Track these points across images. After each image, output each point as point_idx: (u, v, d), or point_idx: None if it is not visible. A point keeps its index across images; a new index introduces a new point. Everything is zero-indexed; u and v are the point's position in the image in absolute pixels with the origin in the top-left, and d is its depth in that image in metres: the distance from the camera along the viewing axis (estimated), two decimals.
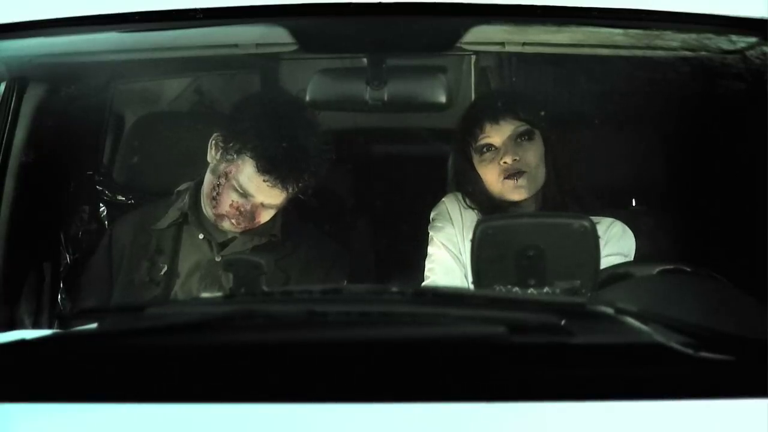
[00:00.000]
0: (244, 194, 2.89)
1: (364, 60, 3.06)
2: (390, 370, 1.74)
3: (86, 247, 3.14)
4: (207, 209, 2.96)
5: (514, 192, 2.90)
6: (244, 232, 2.95)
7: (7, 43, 2.52)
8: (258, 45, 2.74)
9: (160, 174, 3.23)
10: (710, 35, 2.49)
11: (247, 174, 2.87)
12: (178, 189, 3.07)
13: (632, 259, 2.89)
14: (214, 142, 2.94)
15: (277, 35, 2.62)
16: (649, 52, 2.64)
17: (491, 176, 2.92)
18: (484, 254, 2.03)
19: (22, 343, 1.85)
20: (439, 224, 3.02)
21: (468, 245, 2.96)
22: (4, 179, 2.86)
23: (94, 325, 1.91)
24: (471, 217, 2.99)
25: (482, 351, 1.75)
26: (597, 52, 2.71)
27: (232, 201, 2.89)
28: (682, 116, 2.91)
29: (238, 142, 2.88)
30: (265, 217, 2.93)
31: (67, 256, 3.13)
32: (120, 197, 3.24)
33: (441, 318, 1.75)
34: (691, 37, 2.51)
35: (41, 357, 1.82)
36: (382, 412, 1.69)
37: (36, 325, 2.98)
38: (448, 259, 2.96)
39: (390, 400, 1.70)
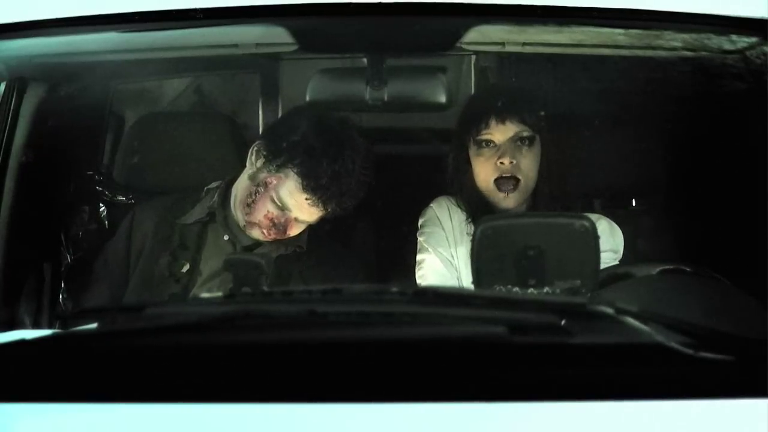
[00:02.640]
0: (282, 207, 2.87)
1: (364, 60, 3.06)
2: (390, 370, 1.74)
3: (86, 246, 3.14)
4: (238, 213, 2.94)
5: (504, 201, 2.92)
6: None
7: (7, 43, 2.52)
8: (258, 45, 2.74)
9: (160, 174, 3.23)
10: (710, 35, 2.49)
11: (289, 189, 2.86)
12: (207, 186, 3.05)
13: (621, 255, 2.89)
14: (256, 149, 2.92)
15: (277, 35, 2.62)
16: (649, 52, 2.64)
17: (484, 173, 2.93)
18: (484, 254, 2.03)
19: (22, 343, 1.85)
20: (428, 229, 3.02)
21: (459, 248, 2.97)
22: (4, 179, 2.86)
23: (94, 325, 1.91)
24: (460, 219, 3.00)
25: (482, 351, 1.75)
26: (597, 52, 2.71)
27: (268, 211, 2.88)
28: (682, 116, 2.90)
29: (283, 156, 2.86)
30: (296, 230, 2.92)
31: (68, 256, 3.13)
32: (120, 197, 3.24)
33: (441, 318, 1.75)
34: (691, 37, 2.51)
35: (41, 357, 1.82)
36: (382, 412, 1.69)
37: (36, 325, 2.98)
38: (439, 265, 2.97)
39: (390, 400, 1.70)
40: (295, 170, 2.85)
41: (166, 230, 3.00)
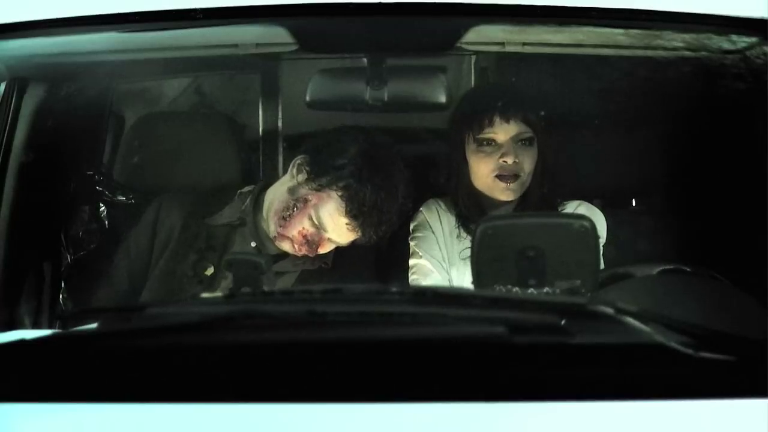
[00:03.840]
0: (318, 227, 2.84)
1: (364, 60, 3.06)
2: (390, 370, 1.74)
3: (86, 246, 3.14)
4: (270, 224, 2.91)
5: (504, 193, 2.92)
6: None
7: (7, 43, 2.52)
8: (258, 45, 2.74)
9: (160, 174, 3.23)
10: (710, 35, 2.49)
11: (330, 210, 2.83)
12: (241, 190, 3.01)
13: (604, 239, 2.89)
14: (299, 162, 2.89)
15: (277, 35, 2.62)
16: (649, 52, 2.64)
17: (483, 170, 2.92)
18: (484, 254, 2.03)
19: (22, 343, 1.85)
20: (420, 234, 3.02)
21: (450, 250, 2.98)
22: (4, 179, 2.86)
23: (94, 325, 1.91)
24: (450, 222, 3.00)
25: (482, 351, 1.75)
26: (597, 52, 2.71)
27: (303, 228, 2.85)
28: (682, 116, 2.91)
29: (329, 176, 2.83)
30: (326, 249, 2.90)
31: (68, 256, 3.13)
32: (120, 197, 3.24)
33: (441, 318, 1.75)
34: (691, 37, 2.51)
35: (41, 357, 1.82)
36: (382, 412, 1.69)
37: (36, 325, 2.98)
38: (431, 269, 2.97)
39: (390, 400, 1.70)
40: (339, 193, 2.81)
41: (194, 228, 2.96)
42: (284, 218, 2.86)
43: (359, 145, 2.86)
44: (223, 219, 2.97)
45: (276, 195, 2.93)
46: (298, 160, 2.90)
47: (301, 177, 2.88)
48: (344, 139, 2.90)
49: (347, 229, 2.84)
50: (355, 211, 2.80)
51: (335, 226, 2.84)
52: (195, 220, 2.98)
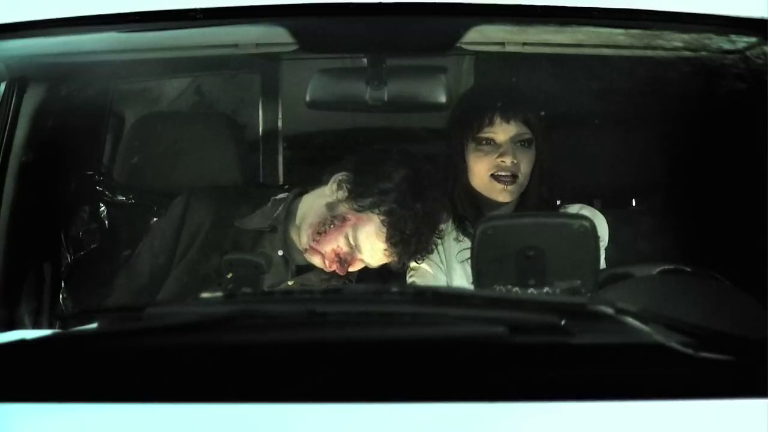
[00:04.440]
0: (353, 247, 2.80)
1: (364, 60, 3.06)
2: (390, 370, 1.74)
3: (86, 246, 3.14)
4: (302, 235, 2.85)
5: (501, 194, 2.92)
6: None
7: (7, 43, 2.52)
8: (258, 45, 2.74)
9: (160, 174, 3.23)
10: (710, 35, 2.49)
11: (368, 233, 2.79)
12: (275, 197, 2.95)
13: (606, 242, 2.89)
14: (340, 179, 2.84)
15: (277, 35, 2.62)
16: (649, 52, 2.64)
17: (481, 169, 2.92)
18: (484, 254, 2.03)
19: (22, 343, 1.85)
20: None
21: (447, 252, 2.97)
22: (4, 179, 2.86)
23: (94, 325, 1.91)
24: (447, 225, 2.99)
25: (482, 351, 1.75)
26: (597, 52, 2.71)
27: (338, 246, 2.80)
28: (682, 116, 2.91)
29: (372, 198, 2.79)
30: (357, 268, 2.85)
31: (68, 256, 3.13)
32: (120, 197, 3.23)
33: (441, 318, 1.75)
34: (691, 37, 2.52)
35: (41, 357, 1.82)
36: (382, 412, 1.69)
37: (36, 325, 2.98)
38: (429, 271, 2.96)
39: (390, 400, 1.70)
40: (381, 217, 2.77)
41: (222, 229, 2.91)
42: (319, 233, 2.81)
43: (405, 171, 2.82)
44: (254, 224, 2.92)
45: (312, 207, 2.88)
46: (339, 176, 2.85)
47: (342, 194, 2.83)
48: (390, 162, 2.85)
49: (384, 254, 2.80)
50: (395, 238, 2.77)
51: (372, 250, 2.80)
52: (224, 220, 2.93)
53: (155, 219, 3.08)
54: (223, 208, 2.96)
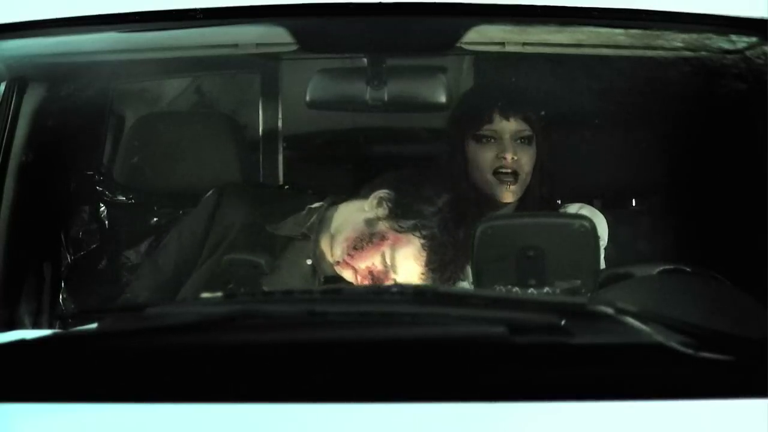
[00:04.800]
0: (389, 267, 2.76)
1: (364, 60, 3.06)
2: (390, 370, 1.74)
3: (86, 246, 3.14)
4: (336, 248, 2.80)
5: (505, 194, 2.91)
6: None
7: (7, 43, 2.52)
8: (258, 45, 2.74)
9: (160, 174, 3.23)
10: (710, 35, 2.49)
11: (406, 255, 2.74)
12: (310, 206, 2.89)
13: (606, 242, 2.89)
14: (381, 196, 2.78)
15: (277, 35, 2.62)
16: (649, 52, 2.64)
17: (483, 167, 2.92)
18: (484, 254, 2.03)
19: (22, 343, 1.85)
20: None
21: None
22: (4, 179, 2.86)
23: (94, 325, 1.91)
24: None
25: (482, 351, 1.75)
26: (597, 52, 2.71)
27: (373, 264, 2.76)
28: (682, 116, 2.91)
29: (414, 220, 2.75)
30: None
31: (68, 256, 3.13)
32: (120, 197, 3.23)
33: (441, 318, 1.75)
34: (691, 37, 2.52)
35: (41, 357, 1.82)
36: (382, 412, 1.69)
37: (36, 325, 2.98)
38: None
39: (390, 400, 1.70)
40: (422, 241, 2.74)
41: (252, 232, 2.86)
42: (355, 248, 2.76)
43: (447, 196, 2.79)
44: (286, 230, 2.87)
45: (349, 221, 2.82)
46: (380, 193, 2.80)
47: (382, 212, 2.78)
48: (434, 186, 2.81)
49: (419, 277, 2.76)
50: (434, 264, 2.73)
51: (407, 272, 2.75)
52: (254, 222, 2.88)
53: (181, 213, 3.04)
54: (254, 209, 2.91)
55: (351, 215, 2.84)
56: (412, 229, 2.74)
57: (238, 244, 2.86)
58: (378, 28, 2.60)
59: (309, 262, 2.85)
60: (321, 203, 2.90)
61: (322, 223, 2.86)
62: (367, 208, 2.81)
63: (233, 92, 4.17)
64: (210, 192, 2.97)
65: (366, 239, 2.77)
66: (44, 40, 2.54)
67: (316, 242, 2.85)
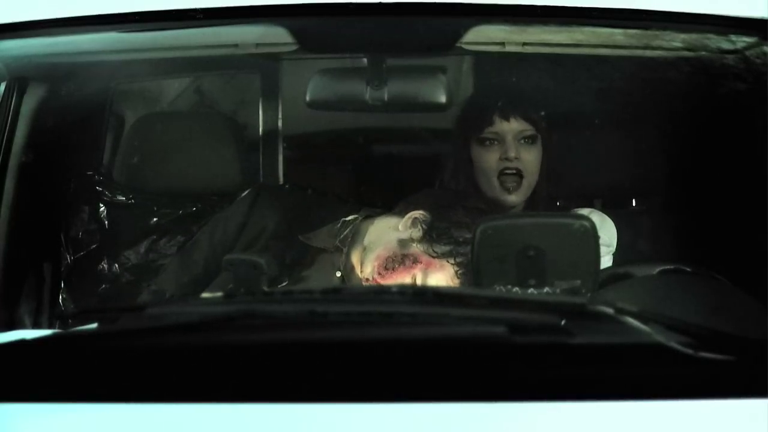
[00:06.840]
0: None
1: (364, 60, 3.06)
2: (390, 370, 1.74)
3: (86, 246, 3.14)
4: (368, 265, 2.74)
5: (510, 197, 2.91)
6: None
7: (7, 43, 2.52)
8: (258, 45, 2.74)
9: (160, 174, 3.23)
10: (710, 35, 2.49)
11: (438, 280, 2.67)
12: (344, 219, 2.84)
13: (614, 248, 2.89)
14: (416, 217, 2.72)
15: (277, 35, 2.62)
16: (649, 52, 2.64)
17: (488, 167, 2.92)
18: (484, 254, 2.03)
19: (22, 343, 1.85)
20: None
21: None
22: (4, 179, 2.86)
23: (94, 325, 1.91)
24: None
25: (482, 351, 1.75)
26: (597, 52, 2.71)
27: None
28: (682, 116, 2.91)
29: (449, 246, 2.69)
30: None
31: (68, 256, 3.13)
32: (120, 197, 3.23)
33: (441, 318, 1.75)
34: (691, 37, 2.52)
35: (41, 357, 1.82)
36: (382, 412, 1.70)
37: (36, 325, 2.98)
38: None
39: (390, 400, 1.70)
40: (455, 268, 2.68)
41: (284, 237, 2.83)
42: (386, 268, 2.71)
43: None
44: (318, 241, 2.83)
45: (382, 238, 2.76)
46: (415, 214, 2.73)
47: (416, 234, 2.71)
48: (469, 214, 2.73)
49: None
50: None
51: None
52: (288, 228, 2.85)
53: (181, 213, 3.04)
54: (289, 213, 2.88)
55: (384, 233, 2.78)
56: (447, 255, 2.68)
57: (268, 249, 2.82)
58: (378, 28, 2.60)
59: (339, 274, 2.80)
60: (355, 216, 2.86)
61: (355, 236, 2.81)
62: (401, 228, 2.75)
63: (233, 92, 4.18)
64: (246, 192, 2.95)
65: (398, 260, 2.72)
66: (44, 40, 2.54)
67: (348, 255, 2.80)
